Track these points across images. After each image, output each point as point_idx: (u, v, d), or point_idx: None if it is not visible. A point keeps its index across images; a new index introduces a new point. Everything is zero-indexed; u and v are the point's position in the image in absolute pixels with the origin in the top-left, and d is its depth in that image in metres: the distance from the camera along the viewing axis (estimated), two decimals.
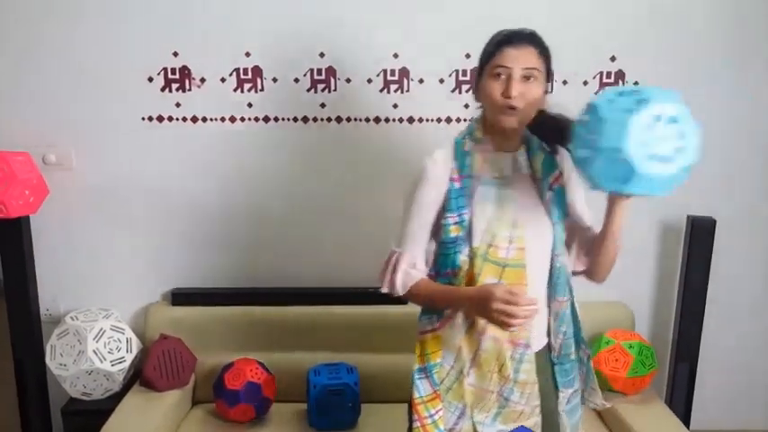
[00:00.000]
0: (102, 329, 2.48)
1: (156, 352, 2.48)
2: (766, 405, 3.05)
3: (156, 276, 2.78)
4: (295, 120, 2.65)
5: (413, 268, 1.62)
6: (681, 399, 2.75)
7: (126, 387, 2.56)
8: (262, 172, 2.67)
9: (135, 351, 2.56)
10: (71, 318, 2.51)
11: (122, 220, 2.73)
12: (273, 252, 2.77)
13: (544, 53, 1.56)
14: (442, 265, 1.60)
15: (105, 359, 2.46)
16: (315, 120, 2.65)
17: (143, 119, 2.64)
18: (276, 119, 2.65)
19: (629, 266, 2.85)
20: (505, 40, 1.53)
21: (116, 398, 2.47)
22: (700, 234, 2.63)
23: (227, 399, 2.40)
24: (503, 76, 1.52)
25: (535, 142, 1.64)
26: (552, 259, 1.62)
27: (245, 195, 2.70)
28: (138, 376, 2.57)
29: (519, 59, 1.51)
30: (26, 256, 2.45)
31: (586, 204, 1.75)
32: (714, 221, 2.64)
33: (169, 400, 2.43)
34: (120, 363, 2.50)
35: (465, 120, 2.66)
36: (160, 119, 2.64)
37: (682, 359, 2.72)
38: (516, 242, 1.54)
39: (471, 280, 1.54)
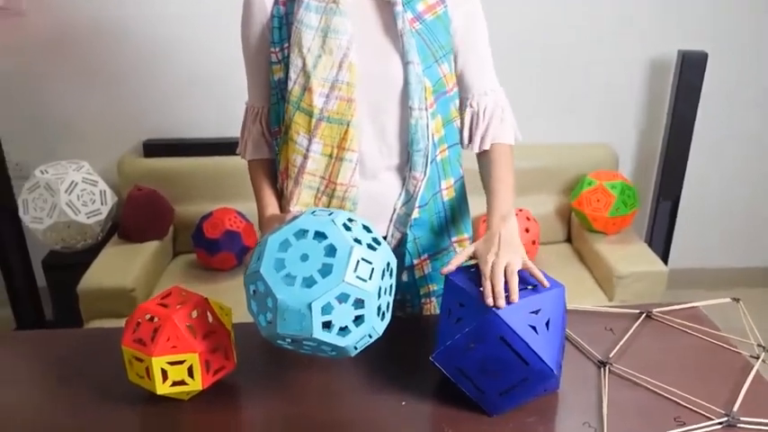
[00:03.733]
0: (73, 182, 2.42)
1: (132, 203, 2.44)
2: (742, 244, 3.09)
3: (127, 128, 2.69)
4: None
5: (261, 136, 1.33)
6: (660, 238, 2.78)
7: (105, 240, 2.54)
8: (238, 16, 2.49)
9: (110, 203, 2.51)
10: (40, 171, 2.43)
11: (85, 69, 2.58)
12: None
13: None
14: (273, 120, 1.29)
15: (80, 212, 2.41)
16: None
17: None
18: None
19: (616, 106, 2.78)
20: None
21: (96, 250, 2.45)
22: (690, 68, 2.53)
23: (207, 248, 2.39)
24: None
25: None
26: (406, 116, 1.22)
27: (223, 42, 2.53)
28: (116, 229, 2.54)
29: None
30: None
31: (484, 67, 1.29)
32: (706, 55, 2.52)
33: (149, 251, 2.42)
34: (96, 215, 2.46)
35: None
36: None
37: (664, 198, 2.71)
38: (340, 89, 1.17)
39: (287, 136, 1.24)
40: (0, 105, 2.49)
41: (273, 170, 1.34)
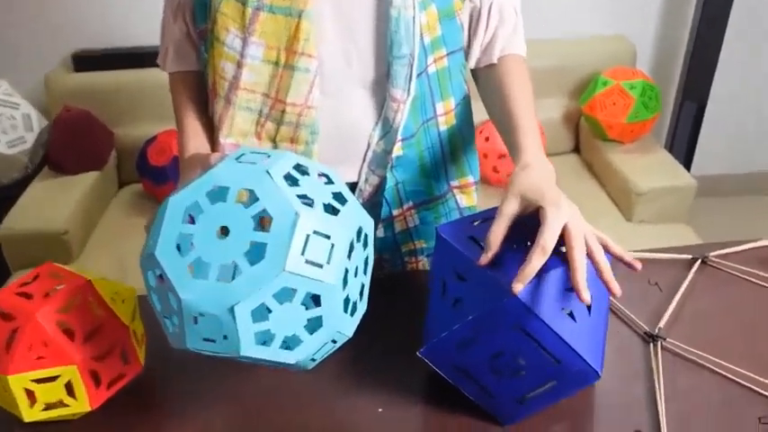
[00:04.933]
0: None
1: (60, 127, 2.10)
2: None
3: (54, 38, 2.33)
4: None
5: (186, 37, 0.95)
6: (683, 143, 2.49)
7: (36, 173, 2.21)
8: None
9: (37, 129, 2.19)
10: None
11: None
12: None
13: None
14: (199, 14, 0.93)
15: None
16: None
17: None
18: None
19: None
20: None
21: (25, 185, 2.15)
22: None
23: (154, 177, 2.11)
24: None
25: None
26: (384, 6, 0.85)
27: None
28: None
29: None
30: None
31: None
32: None
33: (85, 184, 2.12)
34: (20, 143, 2.15)
35: None
36: None
37: (689, 98, 2.41)
38: None
39: (213, 36, 0.88)
40: None
41: (204, 87, 0.96)
